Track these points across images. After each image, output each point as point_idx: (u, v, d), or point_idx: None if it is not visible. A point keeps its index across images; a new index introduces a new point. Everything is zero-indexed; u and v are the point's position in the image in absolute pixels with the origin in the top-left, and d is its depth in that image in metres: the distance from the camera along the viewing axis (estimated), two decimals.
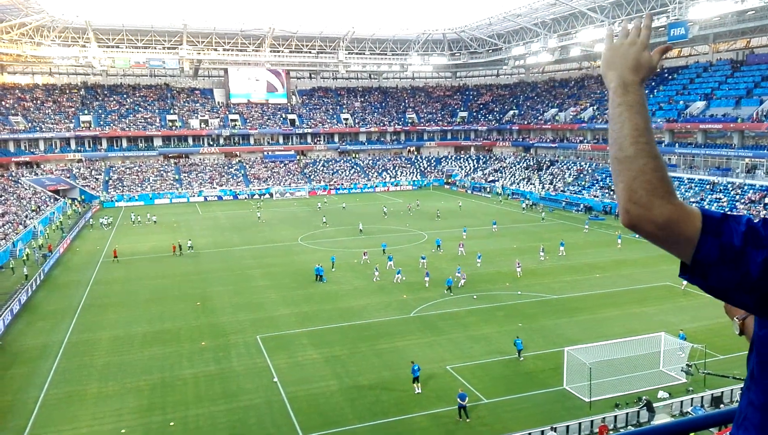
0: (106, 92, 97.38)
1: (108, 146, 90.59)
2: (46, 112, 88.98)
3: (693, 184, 62.53)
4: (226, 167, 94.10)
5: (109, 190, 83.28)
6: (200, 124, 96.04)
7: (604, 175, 75.34)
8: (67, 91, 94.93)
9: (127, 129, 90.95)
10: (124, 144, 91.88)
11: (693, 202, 58.48)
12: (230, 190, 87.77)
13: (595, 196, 70.37)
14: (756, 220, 1.62)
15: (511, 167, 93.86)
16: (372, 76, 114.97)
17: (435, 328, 30.70)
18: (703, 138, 66.94)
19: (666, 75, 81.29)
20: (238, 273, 43.22)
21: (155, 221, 64.99)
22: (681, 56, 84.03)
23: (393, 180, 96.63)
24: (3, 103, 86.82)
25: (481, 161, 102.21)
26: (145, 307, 35.28)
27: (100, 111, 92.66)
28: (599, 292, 36.46)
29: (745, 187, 57.39)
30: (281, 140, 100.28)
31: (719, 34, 71.15)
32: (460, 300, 35.27)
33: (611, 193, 69.60)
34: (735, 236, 1.56)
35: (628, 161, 1.66)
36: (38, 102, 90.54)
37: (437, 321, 31.83)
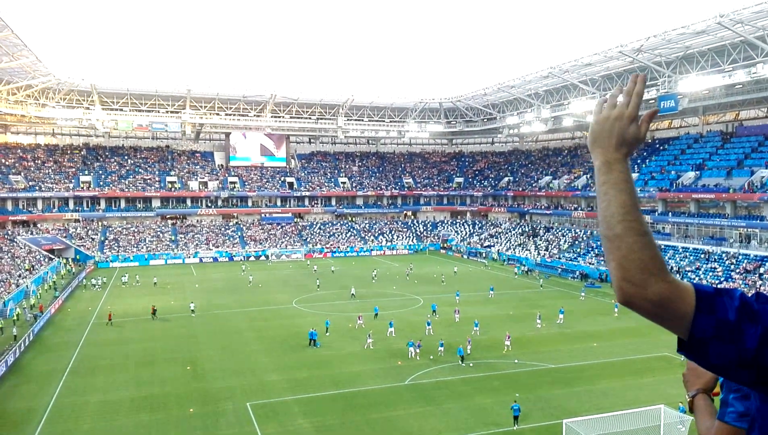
0: (107, 153, 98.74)
1: (106, 206, 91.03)
2: (47, 171, 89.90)
3: (688, 254, 62.80)
4: (223, 229, 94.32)
5: (105, 251, 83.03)
6: (199, 186, 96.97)
7: (599, 243, 75.67)
8: (69, 152, 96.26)
9: (126, 190, 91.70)
10: (123, 204, 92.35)
11: (688, 271, 58.58)
12: (226, 251, 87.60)
13: (590, 264, 70.44)
14: (749, 294, 1.64)
15: (507, 233, 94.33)
16: (370, 141, 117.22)
17: (429, 398, 30.01)
18: (696, 207, 67.74)
19: (657, 145, 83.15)
20: (231, 336, 42.59)
21: (155, 283, 64.46)
22: (672, 127, 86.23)
23: (389, 244, 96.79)
24: (4, 162, 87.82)
25: (477, 226, 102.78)
26: (134, 371, 34.53)
27: (100, 171, 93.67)
28: (597, 362, 35.92)
29: (740, 257, 57.61)
30: (279, 203, 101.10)
31: (709, 106, 73.24)
32: (455, 368, 34.66)
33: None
34: (729, 311, 1.57)
35: (618, 239, 1.67)
36: (39, 162, 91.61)
37: (432, 390, 31.16)
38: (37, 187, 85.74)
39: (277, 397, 30.25)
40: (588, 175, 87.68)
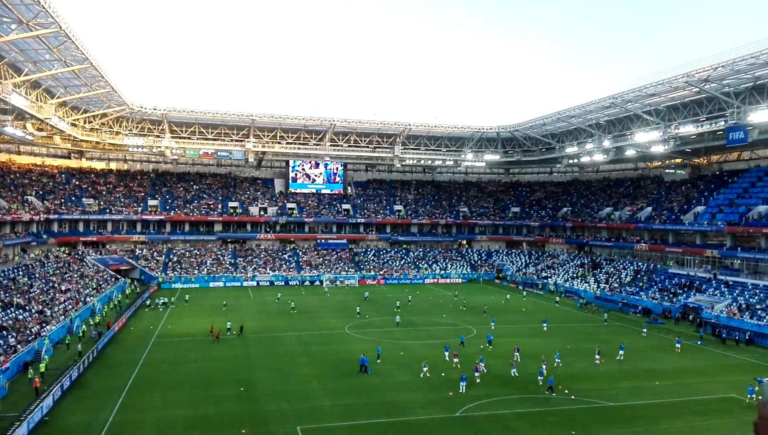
0: (174, 179, 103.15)
1: (171, 230, 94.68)
2: (117, 195, 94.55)
3: (758, 290, 59.37)
4: (280, 253, 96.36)
5: (168, 272, 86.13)
6: (259, 212, 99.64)
7: (662, 277, 72.69)
8: (139, 177, 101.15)
9: (191, 214, 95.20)
10: (186, 228, 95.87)
11: (758, 308, 55.29)
12: (282, 275, 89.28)
13: (653, 299, 67.66)
14: None
15: (565, 264, 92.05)
16: (426, 170, 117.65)
17: (482, 431, 29.28)
18: (767, 243, 64.33)
19: (726, 178, 79.73)
20: (284, 359, 43.12)
21: (225, 305, 66.14)
22: (741, 159, 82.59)
23: (443, 272, 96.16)
24: (79, 185, 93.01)
25: (533, 257, 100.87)
26: (190, 390, 35.35)
27: (167, 196, 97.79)
28: (659, 401, 34.23)
29: None
30: (335, 229, 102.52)
31: None
32: (510, 401, 33.81)
33: (670, 296, 66.82)
34: None
35: None
36: (111, 186, 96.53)
37: (484, 423, 30.44)
38: (107, 210, 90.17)
39: (327, 422, 30.27)
40: (652, 207, 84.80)
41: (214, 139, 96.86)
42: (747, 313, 55.40)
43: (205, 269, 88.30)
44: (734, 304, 58.13)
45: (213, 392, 35.00)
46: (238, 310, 64.51)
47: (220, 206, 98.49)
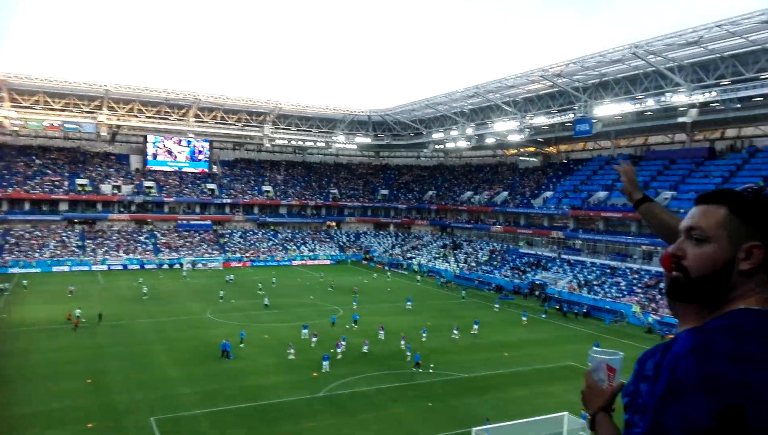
0: (13, 153, 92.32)
1: (9, 209, 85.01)
2: None
3: (595, 268, 65.95)
4: (135, 235, 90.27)
5: (4, 256, 77.45)
6: (112, 190, 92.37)
7: (514, 257, 78.23)
8: None
9: (32, 192, 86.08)
10: (27, 207, 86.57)
11: (595, 284, 61.47)
12: (137, 258, 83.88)
13: (506, 276, 72.59)
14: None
15: (429, 245, 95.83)
16: (296, 151, 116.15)
17: (344, 409, 29.73)
18: (605, 225, 71.38)
19: (572, 166, 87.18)
20: (139, 348, 40.62)
21: (71, 292, 59.78)
22: (586, 149, 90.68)
23: (311, 253, 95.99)
24: None
25: (399, 238, 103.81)
26: (29, 385, 32.15)
27: (4, 172, 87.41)
28: (508, 371, 36.91)
29: (642, 272, 61.12)
30: (198, 209, 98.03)
31: (620, 131, 76.93)
32: (372, 378, 34.61)
33: (520, 273, 72.14)
34: None
35: None
36: None
37: (347, 401, 30.92)
38: None
39: (184, 410, 29.03)
40: (507, 193, 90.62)
41: (62, 110, 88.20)
42: (585, 288, 61.40)
43: (48, 252, 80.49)
44: (574, 280, 64.11)
45: (55, 385, 32.10)
46: (86, 296, 59.44)
47: (66, 183, 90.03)
